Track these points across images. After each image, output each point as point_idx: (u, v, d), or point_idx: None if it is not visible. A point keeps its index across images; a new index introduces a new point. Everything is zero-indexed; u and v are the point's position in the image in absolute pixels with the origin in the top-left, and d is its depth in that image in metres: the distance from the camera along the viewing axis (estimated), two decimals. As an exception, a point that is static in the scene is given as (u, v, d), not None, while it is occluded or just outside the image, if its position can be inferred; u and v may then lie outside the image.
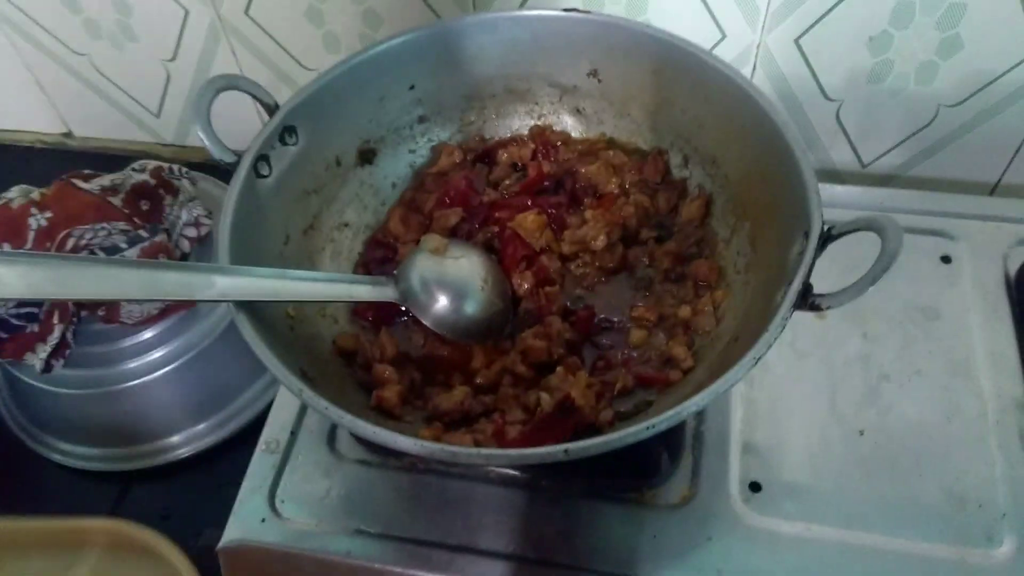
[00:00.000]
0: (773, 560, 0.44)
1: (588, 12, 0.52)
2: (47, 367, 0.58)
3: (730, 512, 0.46)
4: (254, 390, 0.63)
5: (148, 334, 0.59)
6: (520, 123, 0.58)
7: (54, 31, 0.73)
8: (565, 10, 0.52)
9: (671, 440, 0.49)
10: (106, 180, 0.62)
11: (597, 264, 0.51)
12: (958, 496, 0.46)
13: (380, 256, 0.53)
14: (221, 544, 0.47)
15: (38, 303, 0.57)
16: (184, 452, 0.61)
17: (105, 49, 0.74)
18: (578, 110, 0.57)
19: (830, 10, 0.58)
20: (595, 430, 0.43)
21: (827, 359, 0.52)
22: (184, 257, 0.62)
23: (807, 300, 0.39)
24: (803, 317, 0.39)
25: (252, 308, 0.41)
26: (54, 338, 0.57)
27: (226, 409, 0.62)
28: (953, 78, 0.60)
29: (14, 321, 0.57)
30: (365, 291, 0.47)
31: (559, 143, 0.56)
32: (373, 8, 0.65)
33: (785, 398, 0.51)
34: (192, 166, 0.67)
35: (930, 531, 0.45)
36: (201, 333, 0.60)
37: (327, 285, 0.46)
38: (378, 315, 0.50)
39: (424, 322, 0.47)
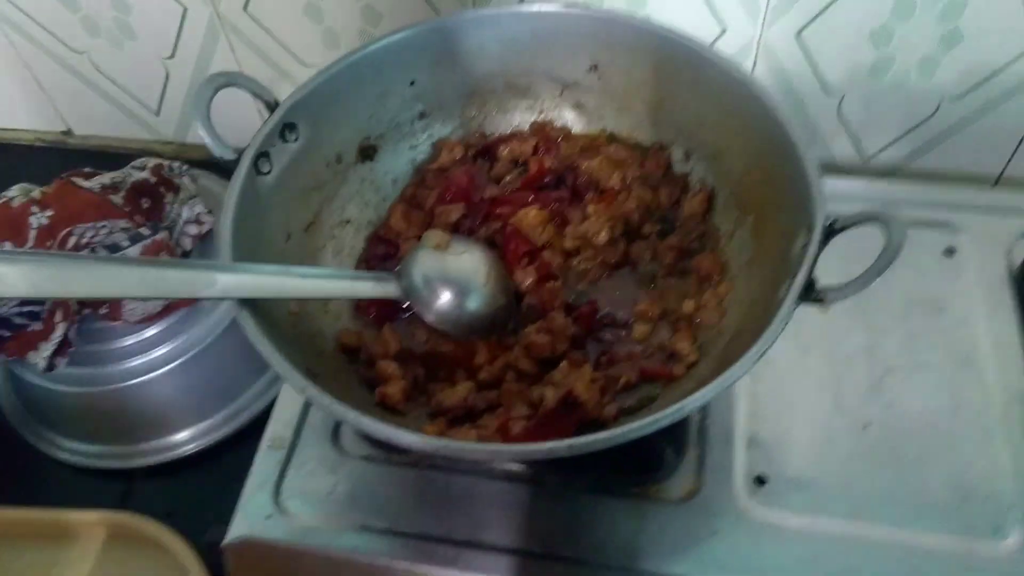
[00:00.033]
0: (779, 553, 0.44)
1: (588, 7, 0.52)
2: (50, 366, 0.58)
3: (735, 506, 0.46)
4: (257, 387, 0.63)
5: (150, 332, 0.59)
6: (521, 118, 0.57)
7: (52, 29, 0.73)
8: (566, 5, 0.52)
9: (676, 435, 0.49)
10: (106, 178, 0.61)
11: (599, 259, 0.51)
12: (964, 488, 0.46)
13: (382, 252, 0.53)
14: (227, 540, 0.47)
15: (40, 302, 0.57)
16: (188, 449, 0.61)
17: (104, 47, 0.74)
18: (579, 105, 0.56)
19: (831, 4, 0.58)
20: (599, 425, 0.43)
21: (831, 353, 0.52)
22: (186, 255, 0.62)
23: (811, 293, 0.38)
24: (806, 311, 0.39)
25: (255, 305, 0.41)
26: (57, 336, 0.57)
27: (230, 406, 0.62)
28: (955, 71, 0.60)
29: (17, 320, 0.57)
30: (368, 287, 0.47)
31: (560, 138, 0.56)
32: (372, 4, 0.65)
33: (789, 392, 0.51)
34: (192, 163, 0.66)
35: (936, 523, 0.45)
36: (204, 330, 0.60)
37: (329, 282, 0.46)
38: (381, 311, 0.50)
39: (427, 319, 0.47)
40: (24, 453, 0.63)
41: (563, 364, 0.46)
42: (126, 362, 0.59)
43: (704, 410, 0.50)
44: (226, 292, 0.40)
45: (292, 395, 0.53)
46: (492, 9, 0.53)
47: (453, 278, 0.47)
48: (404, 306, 0.49)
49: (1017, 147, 0.64)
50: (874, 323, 0.53)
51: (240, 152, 0.46)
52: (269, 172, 0.47)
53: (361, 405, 0.39)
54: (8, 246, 0.57)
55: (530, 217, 0.51)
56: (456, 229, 0.52)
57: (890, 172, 0.68)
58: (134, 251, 0.58)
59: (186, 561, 0.52)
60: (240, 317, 0.40)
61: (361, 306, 0.50)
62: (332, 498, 0.48)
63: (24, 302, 0.57)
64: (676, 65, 0.50)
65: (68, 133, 0.84)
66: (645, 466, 0.48)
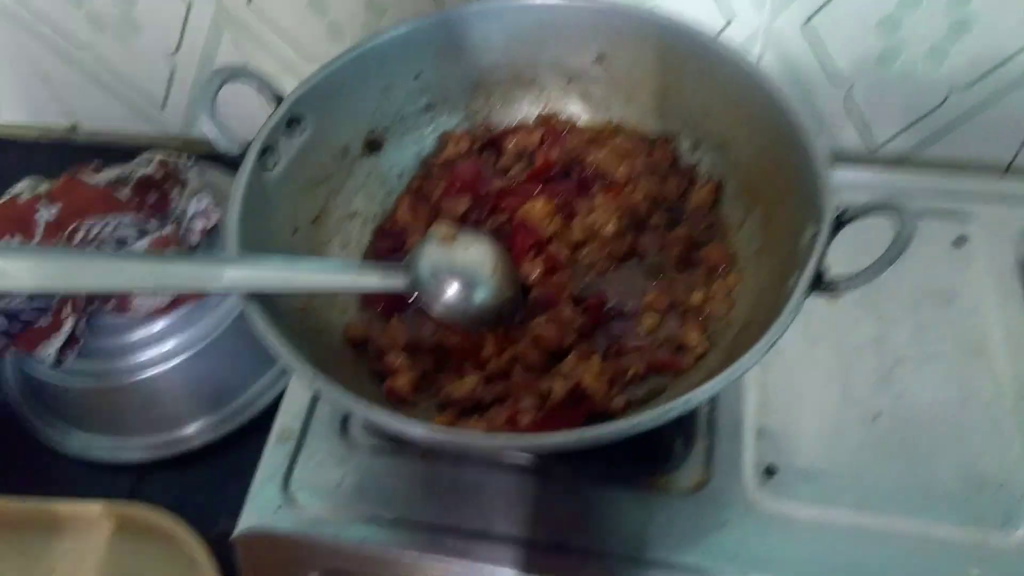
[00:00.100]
0: (789, 544, 0.44)
1: (594, -3, 0.51)
2: (59, 360, 0.58)
3: (745, 497, 0.46)
4: (266, 380, 0.63)
5: (159, 325, 0.59)
6: (527, 110, 0.57)
7: (58, 24, 0.73)
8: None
9: (684, 425, 0.49)
10: (113, 173, 0.62)
11: (607, 251, 0.51)
12: (975, 479, 0.46)
13: (388, 246, 0.53)
14: (237, 532, 0.47)
15: (49, 296, 0.58)
16: (197, 442, 0.61)
17: (109, 42, 0.74)
18: (585, 96, 0.56)
19: (838, -8, 0.57)
20: (608, 417, 0.43)
21: (840, 343, 0.52)
22: (193, 249, 0.62)
23: (821, 284, 0.38)
24: (816, 301, 0.38)
25: (262, 298, 0.41)
26: (65, 331, 0.57)
27: (238, 399, 0.62)
28: (963, 60, 0.59)
29: (26, 314, 0.57)
30: (375, 280, 0.47)
31: (566, 130, 0.56)
32: (377, -4, 0.64)
33: (799, 382, 0.50)
34: (199, 157, 0.66)
35: (946, 514, 0.45)
36: (212, 324, 0.60)
37: (337, 275, 0.46)
38: (389, 303, 0.50)
39: (434, 311, 0.47)
40: (34, 446, 0.63)
41: (571, 356, 0.46)
42: (135, 356, 0.59)
43: (713, 401, 0.50)
44: (233, 286, 0.40)
45: (300, 388, 0.53)
46: (497, 1, 0.53)
47: (460, 270, 0.47)
48: (411, 299, 0.49)
49: (1027, 136, 0.63)
50: (884, 313, 0.53)
51: (246, 146, 0.46)
52: (275, 166, 0.47)
53: (369, 397, 0.39)
54: (16, 241, 0.57)
55: (537, 209, 0.51)
56: (463, 221, 0.52)
57: (899, 162, 0.67)
58: (142, 245, 0.58)
59: (195, 553, 0.52)
60: (248, 310, 0.40)
61: (369, 298, 0.50)
62: (341, 490, 0.48)
63: (32, 297, 0.57)
64: (682, 55, 0.50)
65: (74, 128, 0.85)
66: (654, 457, 0.48)
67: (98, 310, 0.59)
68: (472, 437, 0.41)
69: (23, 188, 0.60)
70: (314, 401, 0.52)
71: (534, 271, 0.49)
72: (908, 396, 0.49)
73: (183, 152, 0.66)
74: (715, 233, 0.50)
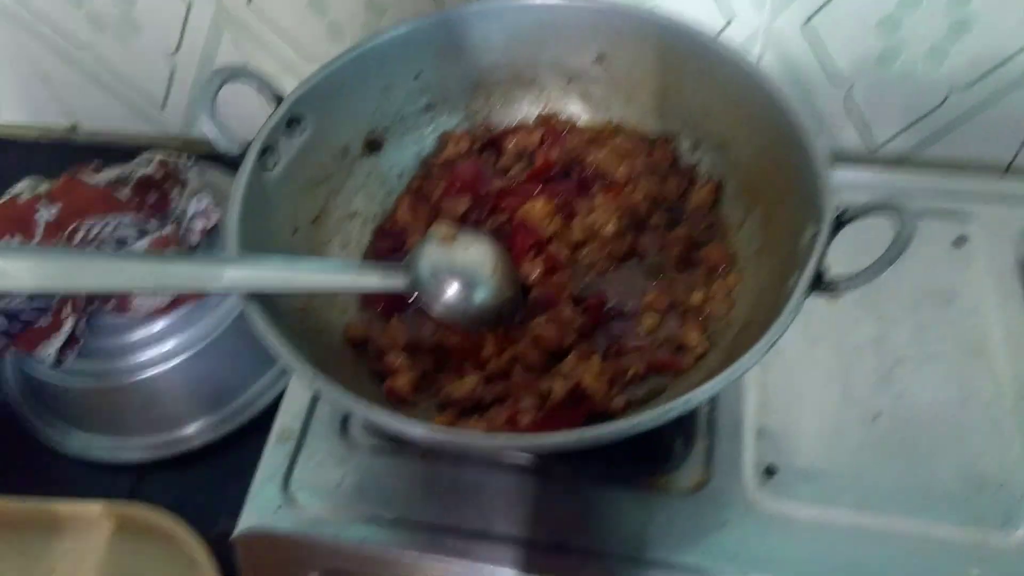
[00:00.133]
0: (789, 544, 0.44)
1: (594, -3, 0.52)
2: (59, 360, 0.58)
3: (745, 497, 0.46)
4: (266, 380, 0.63)
5: (159, 325, 0.59)
6: (527, 110, 0.57)
7: (58, 24, 0.73)
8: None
9: (684, 425, 0.49)
10: (113, 173, 0.62)
11: (607, 251, 0.51)
12: (975, 479, 0.46)
13: (388, 246, 0.53)
14: (237, 532, 0.47)
15: (48, 296, 0.58)
16: (197, 442, 0.61)
17: (109, 42, 0.74)
18: (585, 96, 0.56)
19: (838, -8, 0.57)
20: (608, 417, 0.43)
21: (840, 343, 0.52)
22: (193, 249, 0.62)
23: (821, 284, 0.38)
24: (816, 301, 0.38)
25: (262, 298, 0.41)
26: (65, 331, 0.57)
27: (238, 399, 0.62)
28: (963, 60, 0.59)
29: (26, 314, 0.57)
30: (375, 280, 0.47)
31: (566, 130, 0.56)
32: (377, -4, 0.64)
33: (799, 382, 0.50)
34: (199, 157, 0.66)
35: (946, 514, 0.45)
36: (211, 324, 0.60)
37: (337, 275, 0.46)
38: (389, 303, 0.50)
39: (434, 311, 0.47)
40: (34, 446, 0.63)
41: (571, 356, 0.46)
42: (135, 356, 0.59)
43: (713, 401, 0.50)
44: (233, 286, 0.40)
45: (300, 388, 0.53)
46: (497, 1, 0.53)
47: (460, 270, 0.47)
48: (411, 299, 0.49)
49: (1027, 135, 0.64)
50: (884, 313, 0.53)
51: (246, 146, 0.46)
52: (275, 166, 0.47)
53: (369, 397, 0.39)
54: (16, 241, 0.57)
55: (537, 209, 0.51)
56: (463, 221, 0.52)
57: (899, 162, 0.67)
58: (142, 245, 0.58)
59: (195, 553, 0.52)
60: (248, 310, 0.40)
61: (369, 298, 0.50)
62: (341, 490, 0.48)
63: (32, 297, 0.57)
64: (682, 55, 0.50)
65: (74, 128, 0.85)
66: (654, 457, 0.48)
67: (98, 310, 0.59)
68: (472, 437, 0.41)
69: (23, 188, 0.60)
70: (314, 401, 0.52)
71: (534, 271, 0.50)
72: (908, 396, 0.49)
73: (183, 152, 0.66)
74: (715, 233, 0.50)
